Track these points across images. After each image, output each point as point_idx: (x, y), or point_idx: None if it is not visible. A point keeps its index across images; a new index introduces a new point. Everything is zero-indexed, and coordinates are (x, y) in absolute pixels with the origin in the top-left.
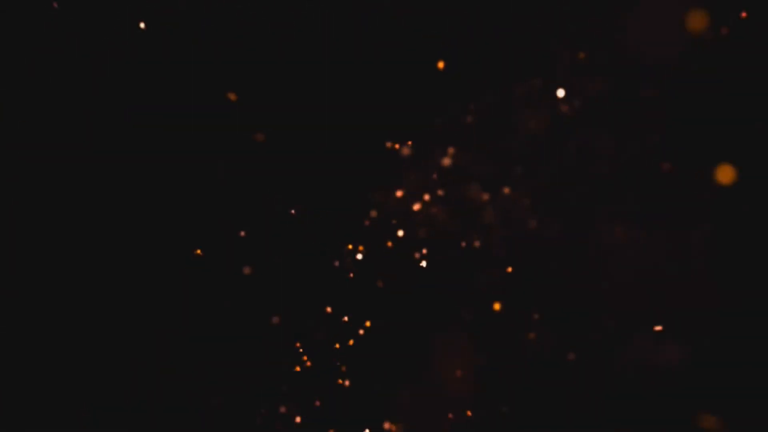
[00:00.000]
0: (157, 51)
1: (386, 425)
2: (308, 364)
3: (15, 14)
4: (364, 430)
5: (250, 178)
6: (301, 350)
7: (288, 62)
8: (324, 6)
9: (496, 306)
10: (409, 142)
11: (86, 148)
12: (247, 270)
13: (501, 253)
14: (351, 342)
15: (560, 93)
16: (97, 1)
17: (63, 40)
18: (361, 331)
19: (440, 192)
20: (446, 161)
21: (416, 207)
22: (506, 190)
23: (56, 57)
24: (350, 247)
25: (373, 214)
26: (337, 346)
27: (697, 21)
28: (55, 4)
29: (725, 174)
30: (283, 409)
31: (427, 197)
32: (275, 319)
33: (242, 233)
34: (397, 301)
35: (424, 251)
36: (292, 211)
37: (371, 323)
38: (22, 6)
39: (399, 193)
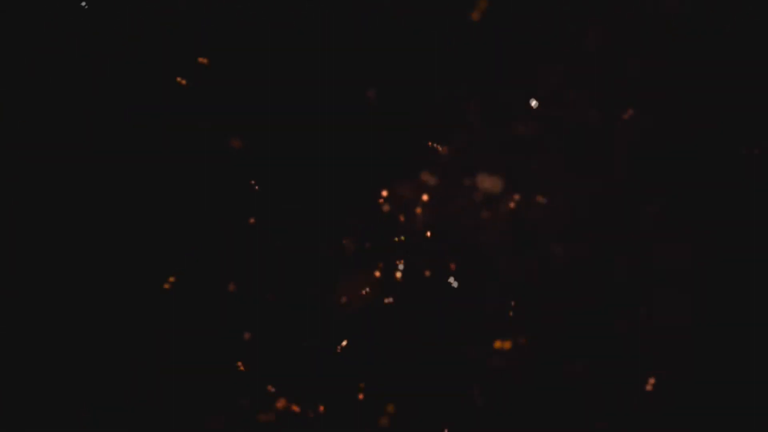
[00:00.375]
0: (157, 51)
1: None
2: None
3: (15, 14)
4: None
5: (251, 178)
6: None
7: (288, 62)
8: (324, 6)
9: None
10: (438, 147)
11: (86, 148)
12: (249, 270)
13: (507, 256)
14: (347, 343)
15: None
16: (96, 1)
17: (63, 40)
18: (344, 342)
19: (443, 194)
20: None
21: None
22: (510, 193)
23: (56, 57)
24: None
25: (386, 208)
26: (340, 348)
27: None
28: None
29: None
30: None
31: (426, 197)
32: (279, 320)
33: (244, 234)
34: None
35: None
36: (256, 187)
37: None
38: (22, 6)
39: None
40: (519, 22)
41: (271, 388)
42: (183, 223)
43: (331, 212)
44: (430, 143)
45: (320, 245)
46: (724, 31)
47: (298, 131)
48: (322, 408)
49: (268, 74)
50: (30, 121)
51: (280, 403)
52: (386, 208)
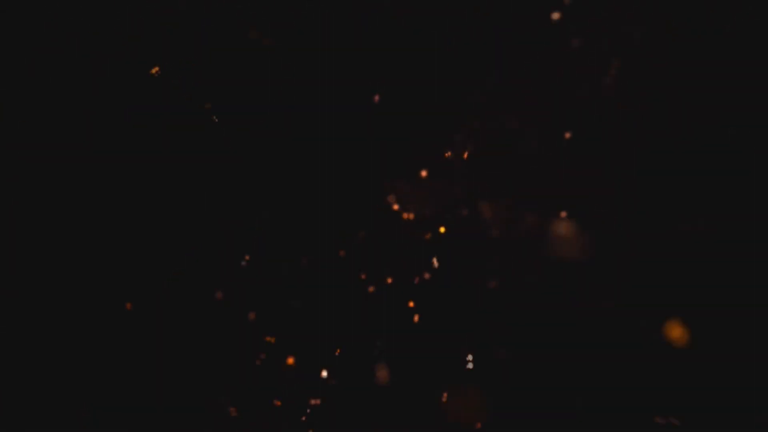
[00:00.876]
0: (157, 51)
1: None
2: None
3: (15, 14)
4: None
5: (251, 178)
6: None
7: (288, 62)
8: (324, 6)
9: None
10: (448, 154)
11: (86, 148)
12: (249, 270)
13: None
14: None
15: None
16: (97, 1)
17: (63, 40)
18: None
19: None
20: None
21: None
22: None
23: (56, 57)
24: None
25: (394, 203)
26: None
27: None
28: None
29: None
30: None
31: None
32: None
33: (245, 235)
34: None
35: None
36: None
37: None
38: (22, 6)
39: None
40: (519, 22)
41: (269, 389)
42: (183, 223)
43: (332, 212)
44: (430, 144)
45: (320, 245)
46: (724, 31)
47: (298, 131)
48: (323, 407)
49: (268, 74)
50: (30, 121)
51: (279, 402)
52: (386, 208)
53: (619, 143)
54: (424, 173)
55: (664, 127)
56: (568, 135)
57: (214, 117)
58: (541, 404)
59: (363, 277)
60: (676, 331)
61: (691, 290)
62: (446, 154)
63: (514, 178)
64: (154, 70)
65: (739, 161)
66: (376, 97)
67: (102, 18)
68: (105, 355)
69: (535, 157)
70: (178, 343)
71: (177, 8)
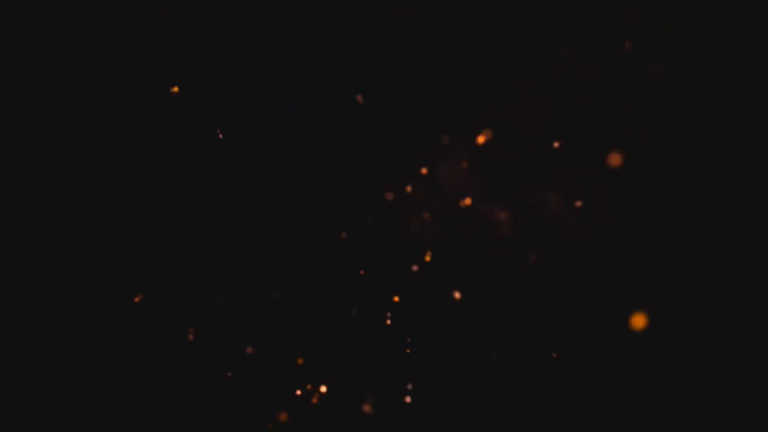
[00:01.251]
0: (157, 51)
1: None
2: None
3: (15, 14)
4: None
5: (251, 179)
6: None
7: (288, 62)
8: (324, 6)
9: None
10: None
11: (86, 148)
12: (249, 270)
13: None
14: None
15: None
16: (97, 1)
17: (63, 40)
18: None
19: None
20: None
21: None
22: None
23: (56, 57)
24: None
25: (394, 203)
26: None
27: None
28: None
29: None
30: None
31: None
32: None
33: (245, 236)
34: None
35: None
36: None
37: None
38: (22, 6)
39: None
40: (519, 22)
41: (268, 390)
42: (183, 223)
43: (331, 213)
44: (430, 144)
45: (319, 245)
46: (724, 31)
47: (298, 131)
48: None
49: (268, 74)
50: (30, 121)
51: (278, 401)
52: (385, 209)
53: (619, 143)
54: (423, 173)
55: (664, 127)
56: (567, 135)
57: (215, 122)
58: (541, 404)
59: (362, 272)
60: (639, 322)
61: (691, 290)
62: (445, 154)
63: (514, 178)
64: (174, 89)
65: (739, 161)
66: (359, 98)
67: (102, 18)
68: (105, 355)
69: (535, 156)
70: (177, 343)
71: (177, 8)
